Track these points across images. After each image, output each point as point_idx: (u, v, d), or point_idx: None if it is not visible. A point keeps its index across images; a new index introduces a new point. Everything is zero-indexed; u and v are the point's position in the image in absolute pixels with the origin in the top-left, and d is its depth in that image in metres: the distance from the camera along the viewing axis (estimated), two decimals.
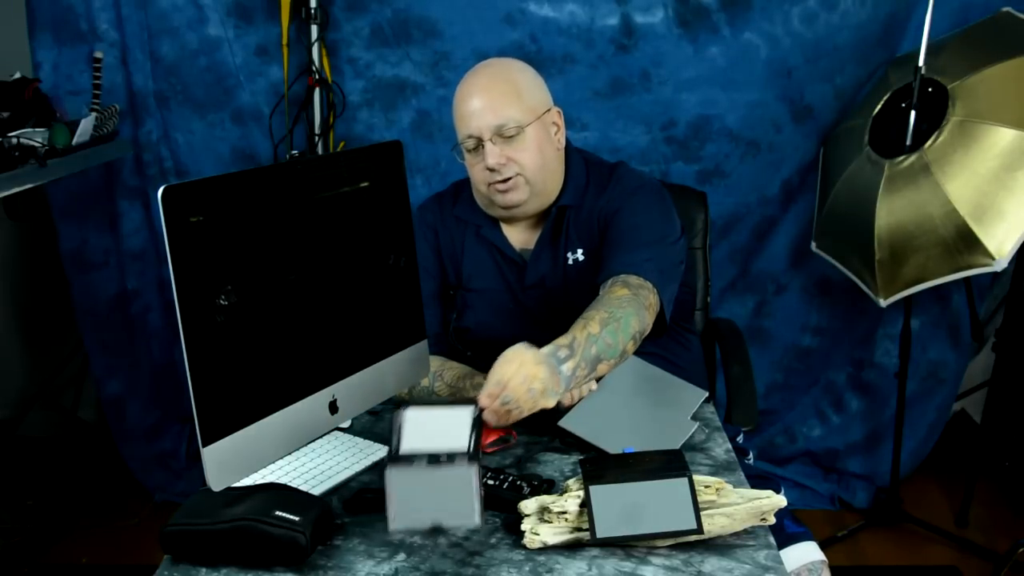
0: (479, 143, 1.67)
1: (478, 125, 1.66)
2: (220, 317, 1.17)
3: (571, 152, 1.81)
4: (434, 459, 1.15)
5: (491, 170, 1.66)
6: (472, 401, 1.27)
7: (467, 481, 1.15)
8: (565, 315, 1.59)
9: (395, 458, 1.16)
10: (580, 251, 1.74)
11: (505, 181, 1.67)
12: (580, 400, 1.50)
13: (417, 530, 1.20)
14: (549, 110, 1.73)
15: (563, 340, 1.41)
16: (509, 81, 1.69)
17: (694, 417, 1.51)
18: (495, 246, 1.78)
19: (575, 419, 1.48)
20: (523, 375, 1.32)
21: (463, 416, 1.23)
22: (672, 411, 1.50)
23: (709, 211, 2.13)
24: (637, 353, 1.59)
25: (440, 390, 1.65)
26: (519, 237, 1.79)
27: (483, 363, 1.72)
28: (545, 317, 1.74)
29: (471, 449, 1.17)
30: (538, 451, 1.47)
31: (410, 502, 1.15)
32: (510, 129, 1.65)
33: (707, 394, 1.55)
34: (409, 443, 1.18)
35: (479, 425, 1.23)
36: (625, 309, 1.49)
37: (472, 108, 1.66)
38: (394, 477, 1.15)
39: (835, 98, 2.63)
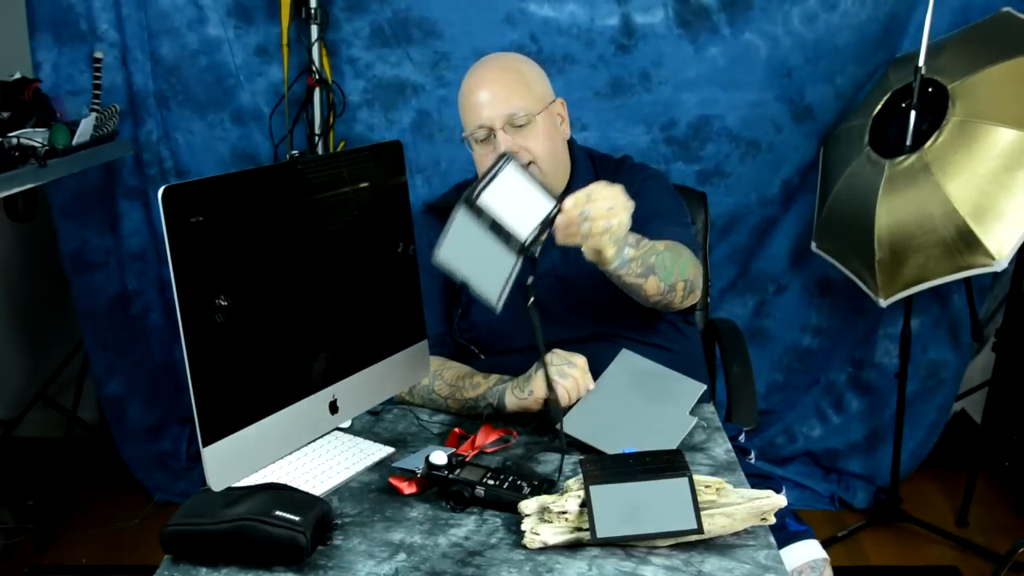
0: (490, 133, 1.69)
1: (489, 115, 1.68)
2: (220, 317, 1.17)
3: (575, 146, 1.84)
4: (496, 227, 1.25)
5: None
6: (556, 199, 1.30)
7: (506, 267, 1.25)
8: (573, 306, 1.59)
9: (472, 201, 1.25)
10: None
11: None
12: (578, 401, 1.50)
13: (451, 273, 1.27)
14: (554, 101, 1.76)
15: (634, 234, 1.46)
16: (517, 71, 1.72)
17: (693, 411, 1.50)
18: None
19: (573, 422, 1.48)
20: (610, 203, 1.32)
21: (543, 206, 1.29)
22: (670, 407, 1.50)
23: (709, 211, 2.13)
24: (636, 345, 1.60)
25: (440, 389, 1.65)
26: None
27: (489, 359, 1.72)
28: (552, 309, 1.74)
29: (527, 240, 1.26)
30: (538, 451, 1.47)
31: (460, 247, 1.25)
32: (521, 118, 1.68)
33: (705, 387, 1.54)
34: (492, 195, 1.25)
35: (549, 223, 1.28)
36: (686, 255, 1.58)
37: (482, 99, 1.69)
38: (459, 218, 1.25)
39: (835, 98, 2.63)
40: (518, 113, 1.68)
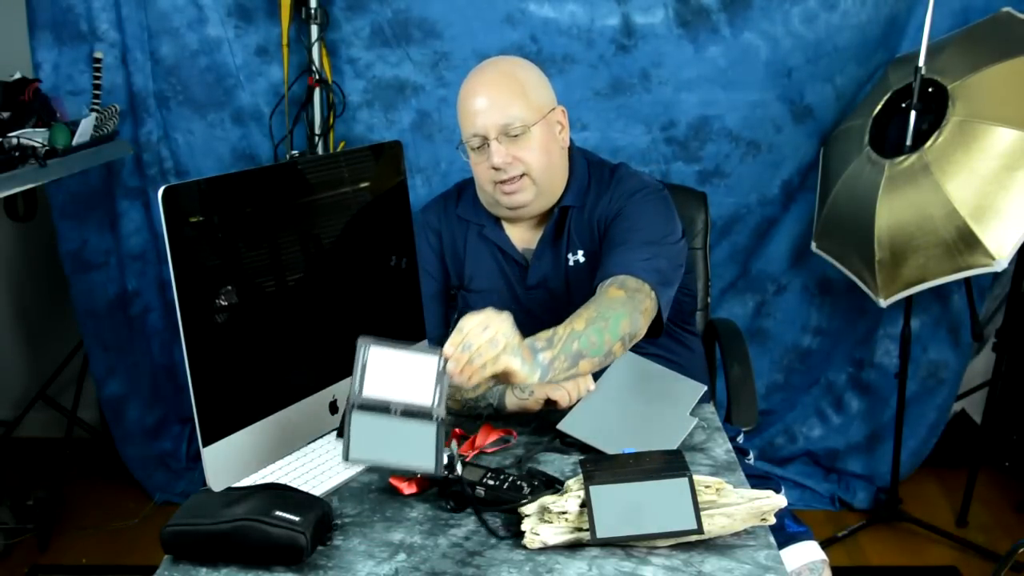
0: (484, 142, 1.65)
1: (484, 124, 1.64)
2: (220, 317, 1.17)
3: (574, 152, 1.80)
4: (399, 410, 1.20)
5: (496, 169, 1.65)
6: (438, 354, 1.25)
7: (429, 438, 1.19)
8: (566, 316, 1.58)
9: (361, 403, 1.19)
10: (580, 252, 1.73)
11: (511, 181, 1.66)
12: (578, 401, 1.50)
13: (374, 466, 1.20)
14: (554, 109, 1.72)
15: (544, 333, 1.41)
16: (515, 79, 1.68)
17: (693, 412, 1.50)
18: (497, 246, 1.78)
19: (573, 422, 1.48)
20: (483, 324, 1.28)
21: (428, 365, 1.23)
22: (671, 407, 1.50)
23: (709, 211, 2.13)
24: (638, 353, 1.59)
25: None
26: (522, 237, 1.79)
27: None
28: (547, 318, 1.73)
29: (436, 404, 1.21)
30: (538, 451, 1.47)
31: (369, 442, 1.19)
32: (516, 128, 1.64)
33: (705, 388, 1.54)
34: (373, 385, 1.20)
35: (444, 377, 1.24)
36: (616, 310, 1.48)
37: (478, 106, 1.65)
38: (355, 420, 1.19)
39: (835, 98, 2.63)
40: (513, 123, 1.64)
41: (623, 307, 1.49)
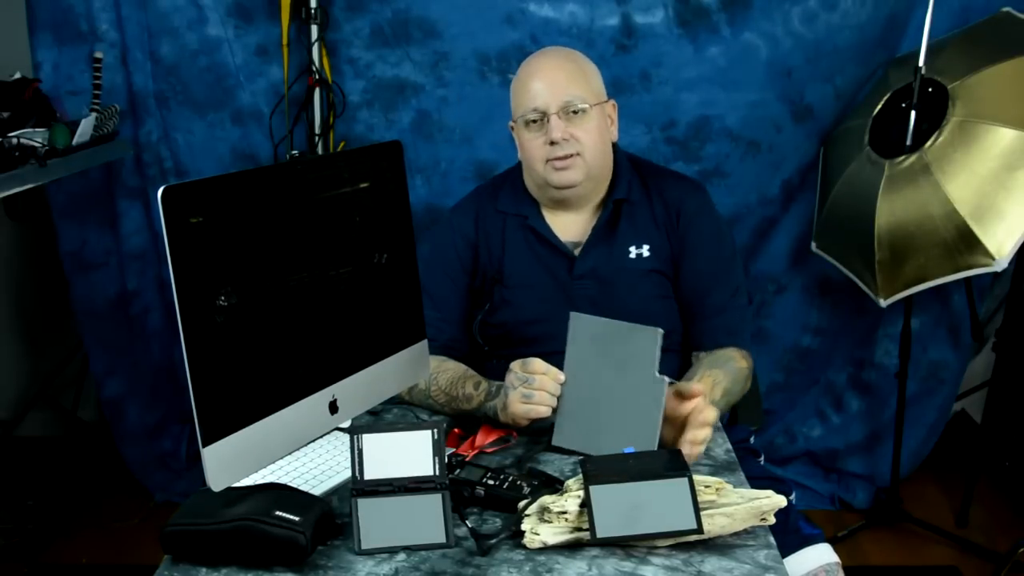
0: (543, 117, 1.67)
1: (545, 100, 1.67)
2: (220, 317, 1.17)
3: (617, 150, 1.81)
4: (401, 488, 1.22)
5: (553, 144, 1.66)
6: (431, 425, 1.26)
7: (437, 508, 1.22)
8: (613, 309, 1.53)
9: (361, 490, 1.22)
10: (646, 247, 1.73)
11: (565, 158, 1.67)
12: (559, 403, 1.46)
13: (386, 551, 1.21)
14: (608, 101, 1.76)
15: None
16: (578, 64, 1.74)
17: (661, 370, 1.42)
18: (540, 236, 1.76)
19: (563, 434, 1.45)
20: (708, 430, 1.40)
21: (423, 439, 1.25)
22: (640, 370, 1.41)
23: None
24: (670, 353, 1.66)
25: (436, 396, 1.63)
26: (567, 228, 1.77)
27: (512, 359, 1.66)
28: (590, 310, 1.71)
29: (437, 473, 1.23)
30: (538, 451, 1.47)
31: (378, 527, 1.21)
32: (576, 106, 1.67)
33: (661, 331, 1.41)
34: (373, 469, 1.23)
35: (441, 447, 1.25)
36: (744, 369, 1.70)
37: (540, 82, 1.69)
38: (362, 508, 1.21)
39: (835, 98, 2.63)
40: (574, 101, 1.67)
41: (745, 365, 1.71)
